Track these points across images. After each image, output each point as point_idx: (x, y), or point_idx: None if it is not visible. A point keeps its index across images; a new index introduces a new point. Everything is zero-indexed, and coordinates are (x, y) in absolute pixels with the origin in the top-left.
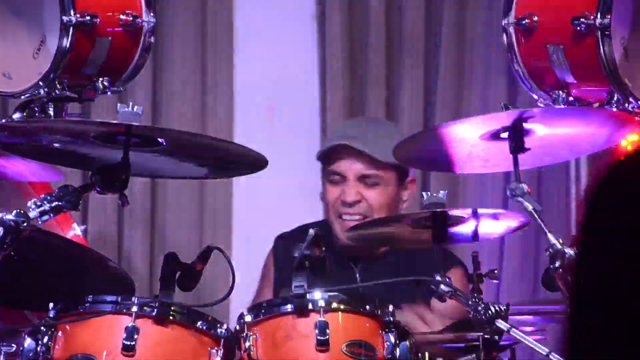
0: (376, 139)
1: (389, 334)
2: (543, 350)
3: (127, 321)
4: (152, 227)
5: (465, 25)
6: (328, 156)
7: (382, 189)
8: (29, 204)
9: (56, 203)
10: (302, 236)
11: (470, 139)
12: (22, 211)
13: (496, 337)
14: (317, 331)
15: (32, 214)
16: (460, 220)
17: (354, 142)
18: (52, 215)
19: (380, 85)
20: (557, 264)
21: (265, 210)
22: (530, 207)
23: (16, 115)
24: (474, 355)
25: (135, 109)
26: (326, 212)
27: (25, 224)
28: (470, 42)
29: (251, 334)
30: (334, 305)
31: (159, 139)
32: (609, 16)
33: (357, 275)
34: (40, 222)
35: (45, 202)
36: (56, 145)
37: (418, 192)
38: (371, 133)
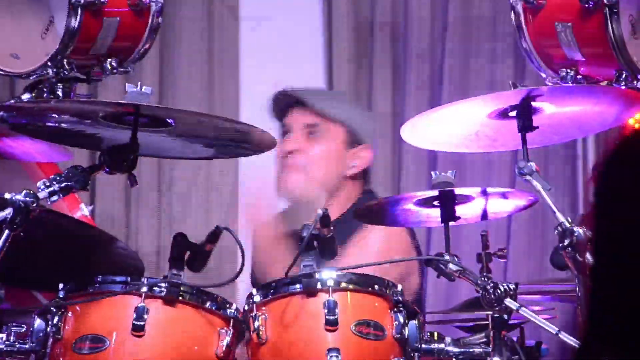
0: (331, 98)
1: (398, 314)
2: (552, 328)
3: (136, 301)
4: (159, 207)
5: (472, 4)
6: (280, 114)
7: (325, 143)
8: (38, 184)
9: (65, 183)
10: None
11: (478, 118)
12: (31, 191)
13: (505, 316)
14: (326, 310)
15: (42, 194)
16: (468, 199)
17: (305, 93)
18: (61, 195)
19: (387, 65)
20: (566, 242)
21: (271, 190)
22: (538, 186)
23: (25, 96)
24: (483, 334)
25: (143, 89)
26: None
27: (34, 205)
28: (477, 21)
29: (260, 313)
30: (343, 284)
31: (168, 119)
32: None
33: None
34: (49, 203)
35: (54, 183)
36: (64, 125)
37: (425, 172)
38: (328, 92)
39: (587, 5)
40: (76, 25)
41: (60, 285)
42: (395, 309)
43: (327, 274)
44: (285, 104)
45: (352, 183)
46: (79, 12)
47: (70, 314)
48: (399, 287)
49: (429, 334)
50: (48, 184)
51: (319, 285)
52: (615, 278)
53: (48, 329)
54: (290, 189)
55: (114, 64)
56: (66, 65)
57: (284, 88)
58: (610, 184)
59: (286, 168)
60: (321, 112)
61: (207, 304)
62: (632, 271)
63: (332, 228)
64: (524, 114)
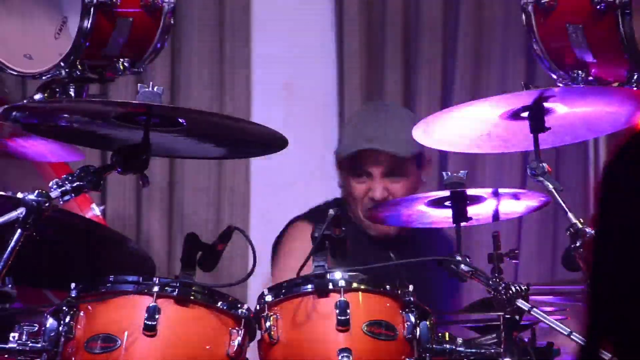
0: (397, 134)
1: (410, 314)
2: (564, 330)
3: (148, 301)
4: (171, 207)
5: (483, 5)
6: (351, 156)
7: (406, 180)
8: (50, 184)
9: (77, 183)
10: (317, 216)
11: (490, 119)
12: (43, 191)
13: (517, 317)
14: (337, 311)
15: (54, 194)
16: (480, 199)
17: (377, 143)
18: (73, 195)
19: (398, 66)
20: (578, 243)
21: (282, 190)
22: (550, 187)
23: (37, 96)
24: (494, 335)
25: (155, 89)
26: (350, 205)
27: (47, 204)
28: (489, 22)
29: (272, 313)
30: (355, 285)
31: (179, 119)
32: None
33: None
34: (61, 203)
35: (66, 182)
36: (76, 125)
37: (437, 172)
38: (390, 127)
39: (598, 7)
40: (89, 26)
41: (72, 285)
42: (407, 309)
43: (339, 275)
44: (361, 153)
45: None
46: (92, 12)
47: (82, 313)
48: (410, 287)
49: (440, 334)
50: (60, 183)
51: (330, 286)
52: (613, 278)
53: (60, 329)
54: (379, 230)
55: (126, 64)
56: (79, 66)
57: (356, 136)
58: (613, 184)
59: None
60: (398, 155)
61: (219, 304)
62: (631, 271)
63: (343, 229)
64: (536, 115)
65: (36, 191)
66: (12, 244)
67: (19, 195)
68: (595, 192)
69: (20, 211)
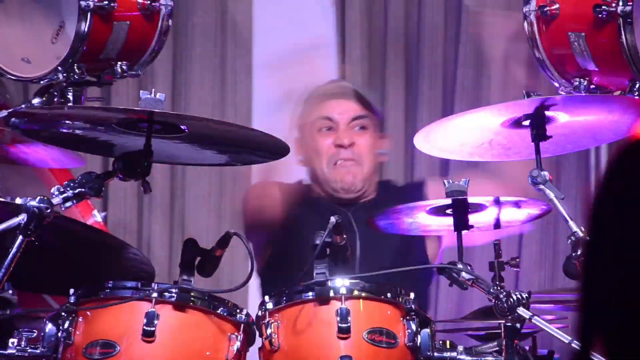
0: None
1: (410, 322)
2: (565, 338)
3: (147, 307)
4: (172, 213)
5: (485, 12)
6: (318, 103)
7: (369, 134)
8: (52, 190)
9: (79, 189)
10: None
11: (492, 127)
12: (45, 197)
13: (518, 325)
14: (338, 318)
15: (56, 200)
16: (481, 207)
17: (345, 86)
18: (75, 201)
19: (399, 73)
20: (579, 251)
21: None
22: (552, 195)
23: (35, 100)
24: (495, 343)
25: (157, 96)
26: (314, 168)
27: (48, 211)
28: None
29: (273, 320)
30: (356, 292)
31: (181, 126)
32: (630, 3)
33: (352, 219)
34: (63, 209)
35: (68, 189)
36: (77, 131)
37: (438, 178)
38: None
39: (600, 16)
40: (86, 30)
41: (72, 291)
42: (408, 317)
43: (340, 282)
44: (329, 97)
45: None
46: (89, 16)
47: (81, 319)
48: (412, 295)
49: (441, 342)
50: (62, 190)
51: (331, 293)
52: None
53: (59, 334)
54: (345, 182)
55: (124, 67)
56: (76, 70)
57: (323, 88)
58: (607, 193)
59: (339, 162)
60: (367, 103)
61: (218, 310)
62: (623, 278)
63: (344, 236)
64: (538, 123)
65: (38, 197)
66: (14, 250)
67: (21, 201)
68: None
69: (22, 217)
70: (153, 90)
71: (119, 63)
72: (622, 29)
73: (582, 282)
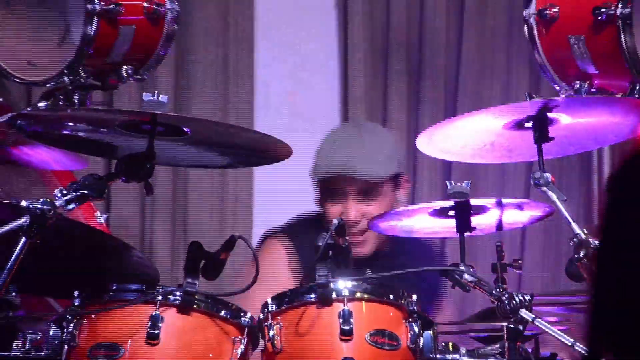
0: (371, 157)
1: (413, 324)
2: (568, 340)
3: (151, 310)
4: (174, 216)
5: (487, 15)
6: (325, 180)
7: (380, 200)
8: (55, 192)
9: (82, 191)
10: (293, 230)
11: (494, 129)
12: (48, 199)
13: (520, 327)
14: (340, 320)
15: (58, 202)
16: (483, 209)
17: (349, 169)
18: (78, 203)
19: (401, 75)
20: (582, 253)
21: (286, 198)
22: (554, 197)
23: (41, 104)
24: (498, 345)
25: (160, 98)
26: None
27: (51, 212)
28: (492, 32)
29: (275, 322)
30: (358, 294)
31: (184, 128)
32: (630, 5)
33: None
34: (65, 211)
35: (71, 191)
36: (80, 133)
37: (440, 183)
38: (364, 151)
39: (599, 18)
40: (92, 33)
41: (76, 293)
42: (410, 319)
43: (342, 284)
44: (336, 168)
45: None
46: (95, 20)
47: (85, 321)
48: (414, 297)
49: (443, 344)
50: (65, 192)
51: (334, 295)
52: (615, 290)
53: (63, 337)
54: (357, 253)
55: (129, 71)
56: (82, 73)
57: (329, 160)
58: (617, 196)
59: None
60: (371, 179)
61: (222, 313)
62: (633, 282)
63: (347, 238)
64: (540, 125)
65: (41, 199)
66: (16, 252)
67: (24, 203)
68: (599, 203)
69: (25, 219)
70: (156, 92)
71: (124, 67)
72: (621, 31)
73: (592, 286)
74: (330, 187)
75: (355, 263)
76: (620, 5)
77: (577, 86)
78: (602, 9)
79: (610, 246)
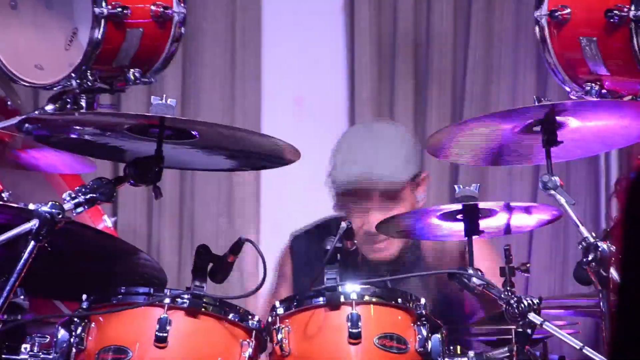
0: (391, 160)
1: (421, 327)
2: (577, 344)
3: (159, 313)
4: (181, 218)
5: (493, 18)
6: (344, 183)
7: (402, 205)
8: (63, 195)
9: (91, 195)
10: (317, 231)
11: (502, 132)
12: (57, 203)
13: (529, 331)
14: (349, 324)
15: (67, 205)
16: (492, 213)
17: (371, 176)
18: (86, 207)
19: (408, 78)
20: (590, 257)
21: (293, 201)
22: (562, 200)
23: (48, 107)
24: (506, 348)
25: (168, 101)
26: None
27: (60, 216)
28: (499, 35)
29: (283, 326)
30: (366, 297)
31: (192, 132)
32: None
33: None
34: (74, 214)
35: (79, 194)
36: (88, 137)
37: (448, 185)
38: (383, 154)
39: (612, 20)
40: (100, 37)
41: (84, 296)
42: (419, 322)
43: (351, 287)
44: (355, 180)
45: None
46: (103, 23)
47: (93, 324)
48: (422, 300)
49: (451, 347)
50: (74, 195)
51: (342, 298)
52: None
53: (71, 340)
54: (377, 258)
55: (137, 74)
56: (89, 77)
57: (348, 165)
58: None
59: (371, 242)
60: (392, 186)
61: (230, 316)
62: None
63: (355, 242)
64: (549, 129)
65: (49, 203)
66: (25, 255)
67: (32, 206)
68: (607, 205)
69: (34, 223)
70: (164, 96)
71: (132, 70)
72: (634, 33)
73: (618, 290)
74: (351, 199)
75: (378, 268)
76: (633, 8)
77: (588, 88)
78: (615, 11)
79: (635, 255)
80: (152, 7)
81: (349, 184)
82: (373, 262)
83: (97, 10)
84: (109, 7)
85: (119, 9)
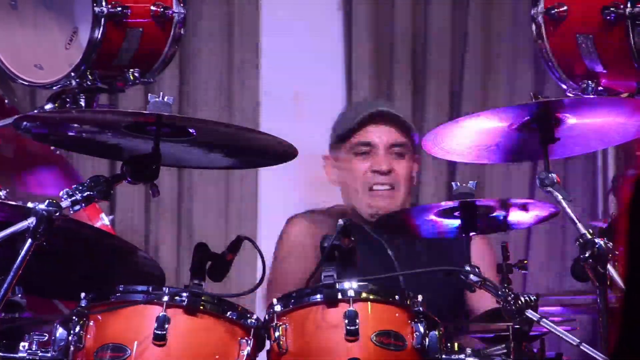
0: (398, 111)
1: (419, 324)
2: (574, 340)
3: (158, 311)
4: (179, 216)
5: (491, 15)
6: (355, 129)
7: (407, 160)
8: (60, 193)
9: (88, 193)
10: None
11: (499, 129)
12: (54, 201)
13: (526, 328)
14: (346, 321)
15: (64, 203)
16: (489, 210)
17: (383, 106)
18: (83, 205)
19: (406, 75)
20: (587, 254)
21: (291, 199)
22: (560, 197)
23: (48, 106)
24: (503, 345)
25: (165, 99)
26: (348, 191)
27: (57, 214)
28: (497, 32)
29: (281, 323)
30: (364, 295)
31: (190, 129)
32: (639, 5)
33: (386, 246)
34: (71, 212)
35: (76, 192)
36: (86, 135)
37: (445, 183)
38: (390, 106)
39: (608, 17)
40: (99, 36)
41: (82, 295)
42: (416, 320)
43: (348, 284)
44: (366, 123)
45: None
46: (103, 23)
47: (91, 323)
48: (419, 298)
49: (449, 344)
50: (71, 193)
51: (339, 296)
52: None
53: (70, 338)
54: (380, 207)
55: (136, 74)
56: (89, 76)
57: (362, 108)
58: None
59: (374, 187)
60: (403, 130)
61: (228, 314)
62: None
63: (353, 239)
64: (546, 126)
65: (47, 201)
66: (23, 253)
67: (30, 205)
68: (604, 202)
69: (31, 221)
70: (161, 93)
71: (131, 70)
72: (630, 31)
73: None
74: (360, 134)
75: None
76: (629, 5)
77: (584, 85)
78: (611, 8)
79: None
80: (152, 7)
81: (359, 116)
82: (371, 222)
83: (97, 9)
84: (109, 6)
85: (119, 9)
